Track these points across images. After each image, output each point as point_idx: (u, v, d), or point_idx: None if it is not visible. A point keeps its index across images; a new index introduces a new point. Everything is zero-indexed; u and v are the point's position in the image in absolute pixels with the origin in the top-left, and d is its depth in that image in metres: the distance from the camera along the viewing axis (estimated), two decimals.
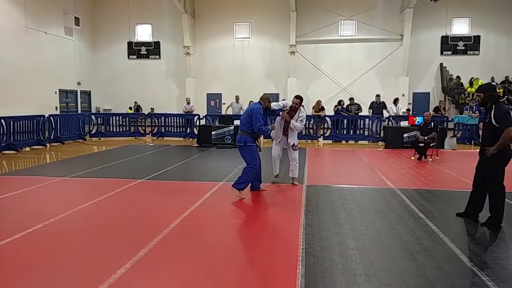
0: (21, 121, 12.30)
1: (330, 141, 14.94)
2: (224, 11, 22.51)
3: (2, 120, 11.55)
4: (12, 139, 11.81)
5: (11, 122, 11.85)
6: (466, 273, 3.50)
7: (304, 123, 6.94)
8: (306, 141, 14.88)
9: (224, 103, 22.05)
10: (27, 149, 12.25)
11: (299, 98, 6.82)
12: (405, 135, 12.65)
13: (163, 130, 16.14)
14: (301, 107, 6.87)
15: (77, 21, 21.15)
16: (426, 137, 10.12)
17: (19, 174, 8.14)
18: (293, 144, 6.90)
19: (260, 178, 6.55)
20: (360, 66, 21.63)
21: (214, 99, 23.28)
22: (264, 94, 6.43)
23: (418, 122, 12.01)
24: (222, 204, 5.80)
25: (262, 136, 7.02)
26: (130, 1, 22.94)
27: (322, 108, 15.74)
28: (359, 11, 21.39)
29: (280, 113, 6.67)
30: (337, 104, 16.04)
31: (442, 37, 21.19)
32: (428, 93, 21.64)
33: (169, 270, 3.54)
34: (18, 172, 8.55)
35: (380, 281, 3.29)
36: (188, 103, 17.47)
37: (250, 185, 6.35)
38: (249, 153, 6.08)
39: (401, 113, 15.34)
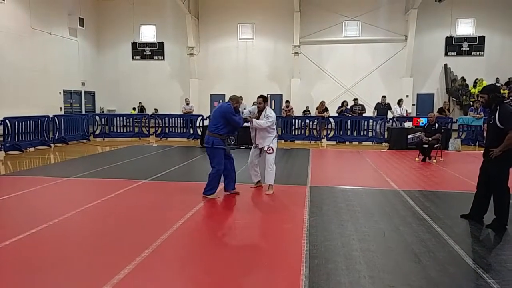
0: (26, 122, 12.35)
1: (334, 142, 14.91)
2: (228, 11, 22.54)
3: (7, 121, 11.61)
4: (16, 140, 11.86)
5: (16, 122, 11.90)
6: (470, 275, 3.48)
7: (271, 120, 6.29)
8: (310, 142, 14.86)
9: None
10: (32, 149, 12.30)
11: (261, 97, 6.46)
12: (409, 136, 12.59)
13: (166, 131, 16.16)
14: (268, 107, 6.46)
15: (81, 21, 21.25)
16: (430, 138, 10.08)
17: (24, 175, 8.17)
18: (268, 147, 6.40)
19: (235, 179, 6.36)
20: (364, 67, 21.59)
21: (217, 100, 23.26)
22: (233, 95, 6.30)
23: (422, 123, 11.97)
24: (225, 205, 5.81)
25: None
26: (134, 2, 23.03)
27: (326, 109, 15.72)
28: (363, 12, 21.37)
29: (248, 117, 6.37)
30: (340, 105, 16.01)
31: (447, 37, 21.13)
32: (433, 94, 21.58)
33: (172, 270, 3.55)
34: (23, 172, 8.59)
35: (385, 283, 3.27)
36: (188, 104, 17.49)
37: (223, 186, 6.30)
38: (215, 156, 5.98)
39: (405, 114, 15.29)
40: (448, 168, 9.27)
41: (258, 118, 6.40)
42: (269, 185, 6.48)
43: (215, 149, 5.93)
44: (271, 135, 6.46)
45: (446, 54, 21.21)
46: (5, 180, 7.71)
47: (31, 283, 3.27)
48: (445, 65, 20.95)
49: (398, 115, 14.97)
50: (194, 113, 16.89)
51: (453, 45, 21.09)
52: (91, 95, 23.39)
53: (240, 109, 6.35)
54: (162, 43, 23.51)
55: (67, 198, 6.25)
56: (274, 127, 6.55)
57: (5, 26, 16.78)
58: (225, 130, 5.97)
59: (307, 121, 15.63)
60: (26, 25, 18.01)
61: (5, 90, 15.37)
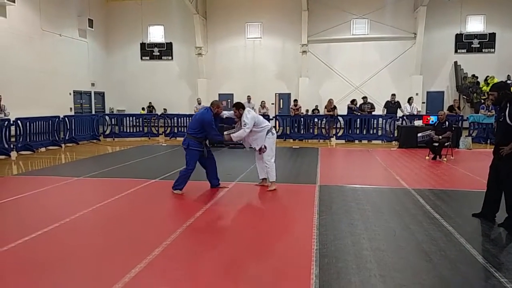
0: (37, 122, 12.50)
1: (343, 141, 14.85)
2: (236, 11, 22.56)
3: (19, 121, 11.76)
4: (28, 140, 12.02)
5: (27, 123, 12.05)
6: (482, 274, 3.44)
7: (248, 127, 6.14)
8: (319, 141, 14.83)
9: None
10: (43, 149, 12.44)
11: (235, 106, 6.37)
12: (419, 134, 12.50)
13: (175, 131, 16.24)
14: (245, 112, 6.22)
15: (90, 23, 21.43)
16: (440, 137, 9.99)
17: (35, 174, 8.27)
18: (260, 148, 6.39)
19: (216, 175, 6.64)
20: (373, 65, 21.47)
21: (226, 99, 23.33)
22: (214, 100, 6.53)
23: (433, 121, 11.87)
24: (234, 204, 5.81)
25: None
26: (142, 3, 23.17)
27: (335, 107, 15.65)
28: (372, 10, 21.24)
29: (225, 136, 6.35)
30: (350, 103, 15.93)
31: (457, 35, 20.91)
32: (442, 92, 21.37)
33: (183, 269, 3.56)
34: (34, 172, 8.69)
35: (395, 282, 3.25)
36: (199, 103, 17.56)
37: (209, 183, 6.64)
38: (188, 156, 6.26)
39: (415, 112, 15.17)
40: (459, 166, 9.18)
41: (239, 125, 6.32)
42: (271, 182, 6.53)
43: (190, 150, 6.23)
44: (261, 133, 6.35)
45: (456, 51, 20.99)
46: (17, 180, 7.81)
47: (43, 281, 3.31)
48: (455, 62, 20.74)
49: (408, 113, 14.86)
50: None
51: (463, 42, 20.86)
52: (100, 95, 23.58)
53: (224, 114, 6.47)
54: (171, 43, 23.61)
55: (78, 198, 6.31)
56: (263, 125, 6.37)
57: (16, 28, 16.99)
58: (201, 135, 6.21)
59: (316, 119, 15.59)
60: (36, 26, 18.22)
61: (16, 91, 15.55)
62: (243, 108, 6.28)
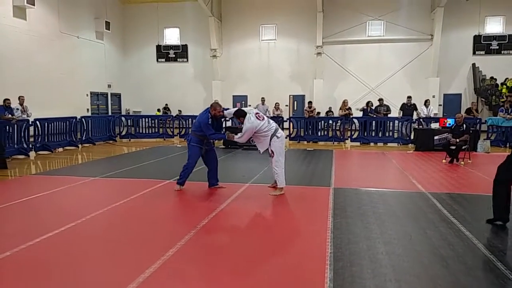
0: (55, 123, 12.74)
1: (358, 143, 14.73)
2: (251, 13, 22.61)
3: (37, 122, 12.00)
4: (46, 140, 12.26)
5: (45, 123, 12.30)
6: (501, 280, 3.36)
7: (240, 137, 6.19)
8: (333, 143, 14.74)
9: (250, 105, 22.10)
10: (60, 149, 12.66)
11: (234, 114, 6.42)
12: (436, 137, 12.31)
13: (190, 132, 16.31)
14: (245, 120, 6.12)
15: (107, 25, 21.73)
16: (458, 140, 9.82)
17: (53, 174, 8.42)
18: (269, 151, 6.30)
19: (216, 177, 6.85)
20: (389, 67, 21.26)
21: (240, 101, 23.38)
22: (214, 102, 6.85)
23: (449, 124, 11.69)
24: (248, 206, 5.81)
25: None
26: (158, 5, 23.40)
27: (349, 108, 15.53)
28: (388, 11, 21.05)
29: (227, 133, 6.49)
30: (365, 106, 15.80)
31: (475, 36, 20.54)
32: (460, 95, 21.02)
33: (197, 270, 3.57)
34: (52, 172, 8.85)
35: (411, 287, 3.20)
36: None
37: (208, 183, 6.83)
38: (190, 151, 6.63)
39: (432, 115, 14.96)
40: (477, 170, 9.00)
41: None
42: (279, 187, 6.38)
43: (191, 146, 6.61)
44: (265, 138, 6.23)
45: (474, 53, 20.61)
46: (36, 179, 7.96)
47: (58, 279, 3.35)
48: (473, 64, 20.36)
49: (424, 116, 14.67)
50: None
51: (482, 44, 20.47)
52: (117, 97, 23.88)
53: (225, 113, 6.54)
54: (186, 45, 23.78)
55: (94, 198, 6.40)
56: (266, 129, 6.18)
57: (36, 31, 17.34)
58: (200, 133, 6.47)
59: (330, 121, 15.49)
60: (55, 29, 18.57)
61: (35, 92, 15.85)
62: (244, 115, 6.19)
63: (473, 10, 20.19)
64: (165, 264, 3.62)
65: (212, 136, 6.48)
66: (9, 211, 5.51)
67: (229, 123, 6.76)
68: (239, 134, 6.27)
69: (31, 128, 11.79)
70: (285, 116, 16.93)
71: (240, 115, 6.25)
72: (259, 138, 6.30)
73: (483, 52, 20.48)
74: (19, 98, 12.13)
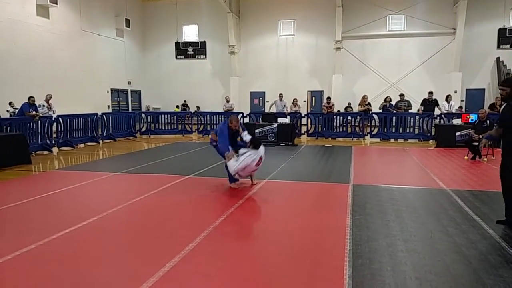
0: (77, 119, 13.02)
1: (378, 139, 14.55)
2: (269, 8, 22.55)
3: (60, 118, 12.28)
4: (68, 136, 12.54)
5: (68, 120, 12.58)
6: None
7: (244, 164, 6.20)
8: (352, 139, 14.60)
9: (267, 101, 22.08)
10: (82, 145, 12.93)
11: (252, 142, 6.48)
12: (458, 133, 12.06)
13: (208, 128, 16.43)
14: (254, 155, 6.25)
15: (127, 23, 22.01)
16: (481, 136, 9.59)
17: (75, 169, 8.60)
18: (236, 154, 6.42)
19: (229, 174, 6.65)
20: (410, 62, 20.91)
21: (257, 97, 23.39)
22: (232, 116, 6.93)
23: (472, 120, 11.43)
24: (266, 201, 5.82)
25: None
26: (177, 2, 23.56)
27: (369, 104, 15.32)
28: (409, 5, 20.67)
29: (225, 154, 6.28)
30: (383, 101, 15.57)
31: (499, 29, 19.96)
32: (483, 90, 20.51)
33: (216, 264, 3.60)
34: (74, 167, 9.03)
35: (432, 285, 3.15)
36: (228, 102, 17.81)
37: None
38: (218, 151, 6.60)
39: (454, 111, 14.65)
40: None
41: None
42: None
43: (214, 147, 6.70)
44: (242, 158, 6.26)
45: (498, 47, 20.04)
46: (58, 174, 8.15)
47: (81, 271, 3.43)
48: (498, 58, 19.81)
49: (446, 112, 14.37)
50: (234, 110, 17.11)
51: (507, 37, 19.88)
52: (137, 93, 24.20)
53: (241, 133, 6.55)
54: (204, 42, 23.89)
55: (115, 193, 6.52)
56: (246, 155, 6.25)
57: (58, 29, 17.71)
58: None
59: (349, 117, 15.34)
60: (77, 27, 18.92)
61: (58, 89, 16.18)
62: (256, 147, 6.34)
63: (498, 2, 19.63)
64: (185, 258, 3.66)
65: (219, 146, 6.40)
66: (33, 205, 5.65)
67: (247, 138, 6.64)
68: (235, 161, 6.17)
69: (54, 125, 12.07)
70: (303, 112, 16.84)
71: (254, 144, 6.37)
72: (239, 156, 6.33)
73: (508, 46, 19.89)
74: (46, 95, 12.45)
